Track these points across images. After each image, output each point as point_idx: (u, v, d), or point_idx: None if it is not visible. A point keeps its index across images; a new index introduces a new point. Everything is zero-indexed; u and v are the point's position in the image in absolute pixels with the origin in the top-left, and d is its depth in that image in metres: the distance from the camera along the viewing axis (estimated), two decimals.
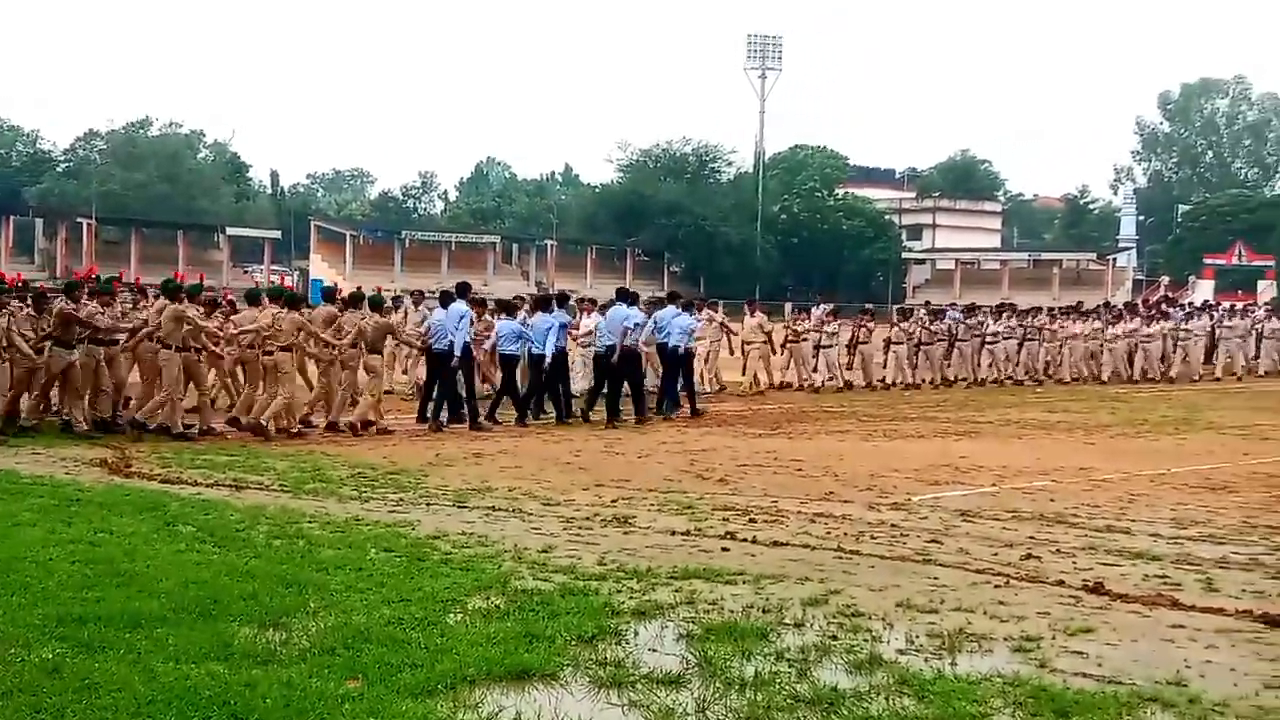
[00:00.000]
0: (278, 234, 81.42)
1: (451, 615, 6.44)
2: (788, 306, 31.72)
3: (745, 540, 8.72)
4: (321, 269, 74.08)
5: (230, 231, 78.16)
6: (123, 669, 5.36)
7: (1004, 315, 29.02)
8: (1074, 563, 8.12)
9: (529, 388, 17.95)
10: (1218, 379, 29.32)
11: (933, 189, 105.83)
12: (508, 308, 19.51)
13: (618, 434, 16.38)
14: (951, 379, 26.42)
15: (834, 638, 6.17)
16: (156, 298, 16.54)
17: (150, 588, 6.80)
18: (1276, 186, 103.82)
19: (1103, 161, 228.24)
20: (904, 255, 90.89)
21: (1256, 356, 31.39)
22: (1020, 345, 27.83)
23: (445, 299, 17.64)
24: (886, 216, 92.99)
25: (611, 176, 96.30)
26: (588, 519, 9.54)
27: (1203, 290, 61.45)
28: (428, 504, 10.23)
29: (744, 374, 23.81)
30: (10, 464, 12.01)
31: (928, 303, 35.71)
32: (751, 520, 9.57)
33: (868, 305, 33.76)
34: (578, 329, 19.83)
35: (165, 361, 14.81)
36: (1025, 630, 6.37)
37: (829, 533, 9.10)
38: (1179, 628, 6.50)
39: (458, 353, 16.55)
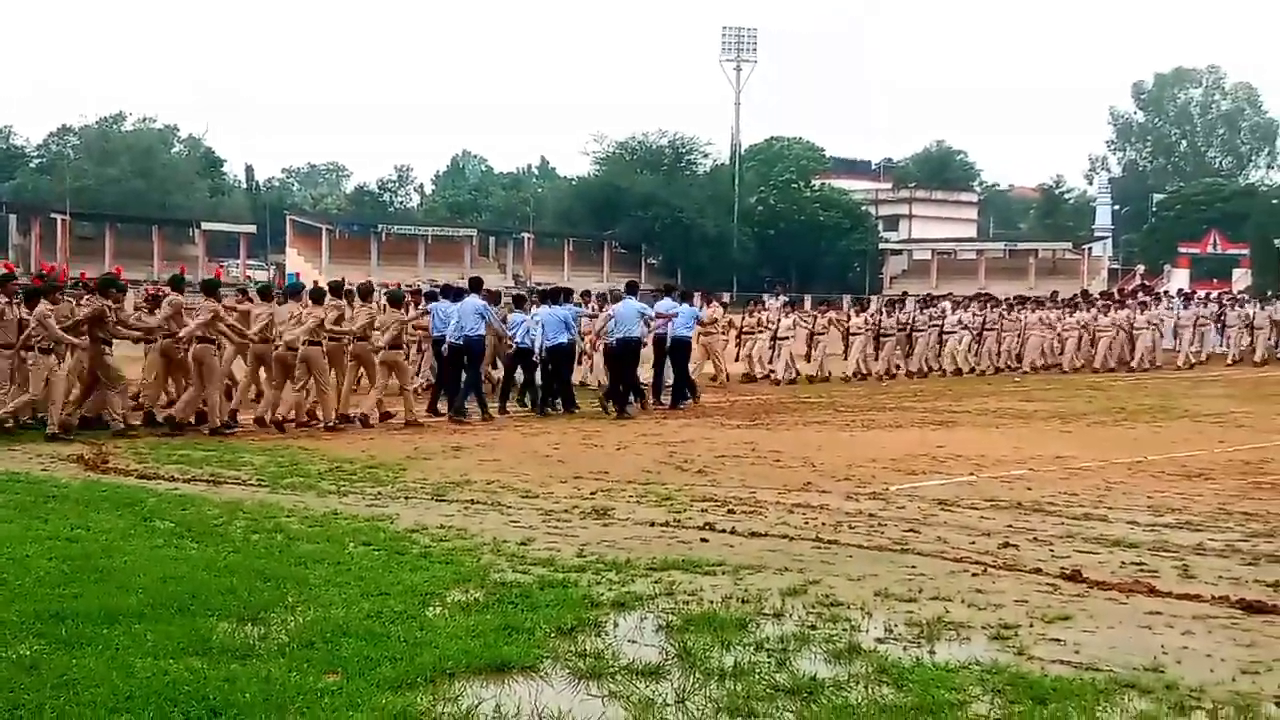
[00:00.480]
0: (253, 228, 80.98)
1: (430, 608, 6.44)
2: (766, 298, 31.74)
3: (724, 531, 8.74)
4: (297, 263, 73.58)
5: (205, 226, 77.57)
6: (101, 665, 5.34)
7: (959, 307, 29.20)
8: (1051, 551, 8.16)
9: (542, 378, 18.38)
10: (1179, 367, 29.55)
11: (909, 180, 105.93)
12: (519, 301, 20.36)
13: (596, 426, 16.40)
14: (913, 370, 26.64)
15: (813, 627, 6.20)
16: (158, 297, 16.65)
17: (128, 583, 6.78)
18: (1250, 175, 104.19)
19: (1077, 151, 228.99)
20: (881, 246, 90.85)
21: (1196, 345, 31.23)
22: (979, 336, 27.99)
23: (450, 294, 18.18)
24: (863, 207, 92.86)
25: (588, 169, 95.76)
26: (566, 511, 9.55)
27: (1178, 279, 61.67)
28: (406, 498, 10.22)
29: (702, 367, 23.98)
30: None
31: (905, 293, 35.90)
32: (730, 511, 9.59)
33: (828, 297, 33.82)
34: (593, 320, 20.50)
35: (212, 357, 15.04)
36: (1003, 618, 6.40)
37: (807, 523, 9.13)
38: (1156, 614, 6.54)
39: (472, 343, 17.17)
